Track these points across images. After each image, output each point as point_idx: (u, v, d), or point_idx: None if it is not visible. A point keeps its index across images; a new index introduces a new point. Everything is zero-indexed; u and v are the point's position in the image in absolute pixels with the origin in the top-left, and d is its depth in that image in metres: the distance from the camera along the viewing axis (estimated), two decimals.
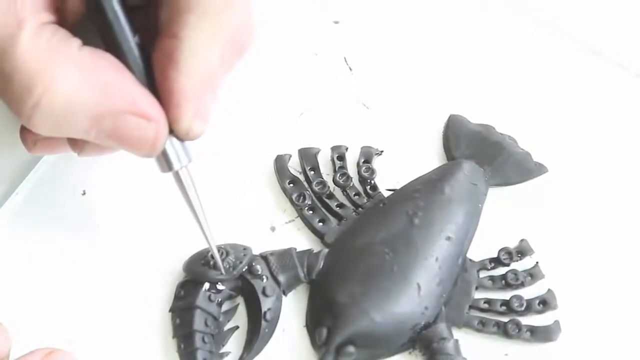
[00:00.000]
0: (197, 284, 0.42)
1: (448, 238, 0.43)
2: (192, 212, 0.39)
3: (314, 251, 0.44)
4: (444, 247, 0.43)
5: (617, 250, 0.45)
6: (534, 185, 0.47)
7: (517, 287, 0.44)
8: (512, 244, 0.45)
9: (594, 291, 0.44)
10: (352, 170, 0.47)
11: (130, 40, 0.35)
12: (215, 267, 0.42)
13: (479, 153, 0.48)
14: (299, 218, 0.46)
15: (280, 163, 0.47)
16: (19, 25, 0.33)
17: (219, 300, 0.42)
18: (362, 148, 0.48)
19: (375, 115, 0.50)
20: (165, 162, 0.37)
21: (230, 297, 0.43)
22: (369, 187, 0.47)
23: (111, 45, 0.35)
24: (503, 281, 0.44)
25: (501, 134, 0.49)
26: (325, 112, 0.50)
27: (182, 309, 0.42)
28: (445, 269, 0.43)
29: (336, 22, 0.55)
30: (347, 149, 0.48)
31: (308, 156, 0.48)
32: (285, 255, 0.43)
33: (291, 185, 0.47)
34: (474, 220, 0.45)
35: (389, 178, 0.47)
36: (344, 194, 0.47)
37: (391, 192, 0.47)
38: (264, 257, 0.43)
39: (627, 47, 0.53)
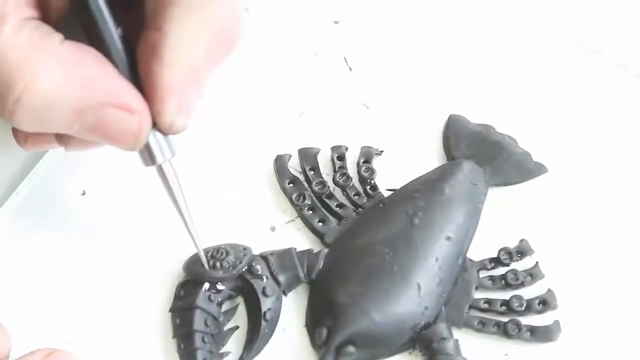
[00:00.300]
0: (197, 284, 0.42)
1: (448, 238, 0.43)
2: (175, 207, 0.39)
3: (314, 251, 0.44)
4: (444, 247, 0.43)
5: (617, 250, 0.45)
6: (534, 185, 0.47)
7: (517, 287, 0.44)
8: (512, 244, 0.45)
9: (593, 291, 0.44)
10: (352, 170, 0.47)
11: (113, 33, 0.35)
12: (215, 267, 0.42)
13: (479, 153, 0.48)
14: (298, 218, 0.46)
15: (280, 163, 0.47)
16: (1, 21, 0.33)
17: (219, 300, 0.42)
18: (362, 148, 0.48)
19: (375, 115, 0.50)
20: (148, 155, 0.37)
21: (230, 297, 0.43)
22: (368, 187, 0.47)
23: (94, 38, 0.35)
24: (503, 281, 0.44)
25: (501, 134, 0.49)
26: (325, 112, 0.50)
27: (182, 309, 0.42)
28: (445, 269, 0.43)
29: (336, 22, 0.55)
30: (347, 149, 0.48)
31: (308, 156, 0.48)
32: (285, 255, 0.43)
33: (291, 185, 0.47)
34: (474, 220, 0.45)
35: (389, 178, 0.47)
36: (343, 194, 0.47)
37: (391, 192, 0.47)
38: (264, 257, 0.43)
39: (627, 47, 0.53)
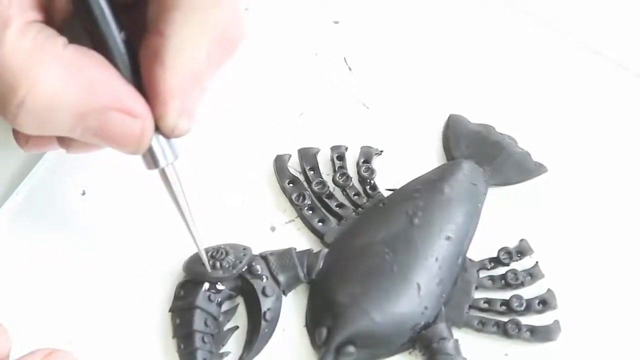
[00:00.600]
0: (196, 284, 0.42)
1: (448, 238, 0.43)
2: (177, 209, 0.39)
3: (314, 251, 0.44)
4: (444, 247, 0.43)
5: (616, 249, 0.45)
6: (534, 185, 0.47)
7: (516, 286, 0.44)
8: (512, 244, 0.45)
9: (593, 291, 0.44)
10: (351, 170, 0.47)
11: (116, 37, 0.35)
12: (215, 267, 0.42)
13: (479, 153, 0.48)
14: (298, 218, 0.46)
15: (279, 163, 0.47)
16: (5, 24, 0.33)
17: (219, 300, 0.42)
18: (361, 148, 0.48)
19: (375, 115, 0.50)
20: (151, 159, 0.37)
21: (230, 297, 0.43)
22: (368, 187, 0.47)
23: (98, 42, 0.35)
24: (503, 281, 0.44)
25: (501, 133, 0.49)
26: (325, 112, 0.50)
27: (182, 309, 0.42)
28: (445, 268, 0.43)
29: (336, 22, 0.55)
30: (346, 149, 0.48)
31: (308, 156, 0.48)
32: (285, 255, 0.43)
33: (291, 185, 0.47)
34: (474, 220, 0.45)
35: (389, 178, 0.47)
36: (343, 194, 0.47)
37: (391, 192, 0.47)
38: (264, 257, 0.43)
39: (627, 47, 0.53)
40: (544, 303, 0.43)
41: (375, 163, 0.48)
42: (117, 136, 0.35)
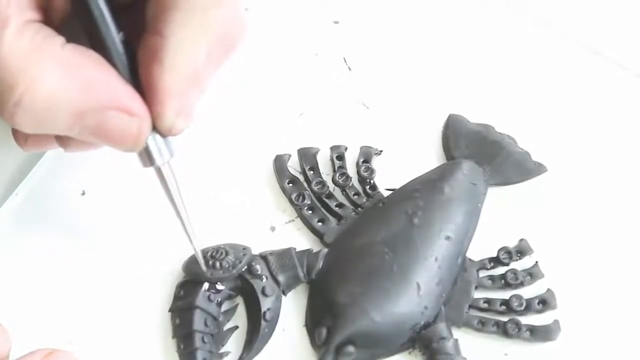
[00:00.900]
0: (196, 284, 0.42)
1: (447, 238, 0.43)
2: (173, 208, 0.39)
3: (314, 251, 0.44)
4: (444, 247, 0.43)
5: (616, 249, 0.45)
6: (533, 185, 0.47)
7: (516, 286, 0.44)
8: (512, 244, 0.45)
9: (593, 291, 0.44)
10: (351, 170, 0.47)
11: (114, 36, 0.35)
12: (214, 267, 0.42)
13: (479, 153, 0.48)
14: (298, 218, 0.46)
15: (279, 163, 0.47)
16: (3, 23, 0.33)
17: (219, 300, 0.42)
18: (361, 148, 0.48)
19: (374, 115, 0.50)
20: (147, 157, 0.37)
21: (229, 297, 0.43)
22: (368, 186, 0.47)
23: (96, 42, 0.35)
24: (502, 281, 0.44)
25: (500, 133, 0.49)
26: (325, 112, 0.50)
27: (182, 309, 0.42)
28: (444, 268, 0.43)
29: (336, 22, 0.55)
30: (346, 148, 0.48)
31: (307, 156, 0.48)
32: (284, 255, 0.44)
33: (290, 185, 0.47)
34: (474, 219, 0.45)
35: (389, 178, 0.47)
36: (343, 194, 0.47)
37: (390, 192, 0.47)
38: (264, 257, 0.43)
39: (627, 47, 0.53)
40: (544, 303, 0.43)
41: (375, 163, 0.48)
42: (115, 135, 0.35)
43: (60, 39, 0.34)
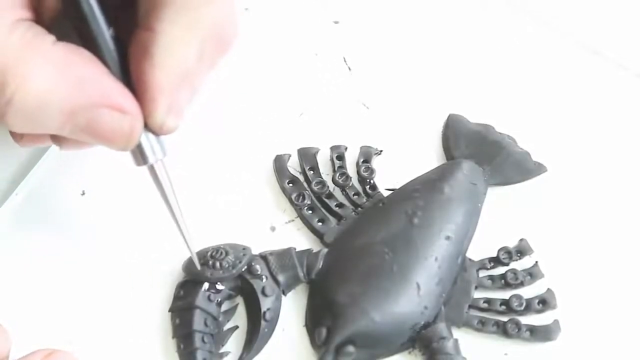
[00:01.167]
0: (196, 283, 0.42)
1: (447, 237, 0.43)
2: (166, 206, 0.39)
3: (314, 251, 0.44)
4: (444, 247, 0.43)
5: (616, 249, 0.45)
6: (533, 185, 0.47)
7: (516, 286, 0.44)
8: (512, 244, 0.45)
9: (593, 290, 0.44)
10: (351, 170, 0.47)
11: (104, 33, 0.35)
12: (214, 267, 0.42)
13: (478, 152, 0.48)
14: (298, 218, 0.46)
15: (279, 163, 0.47)
16: None
17: (219, 300, 0.42)
18: (361, 148, 0.48)
19: (374, 115, 0.50)
20: (140, 155, 0.37)
21: (229, 297, 0.43)
22: (368, 186, 0.47)
23: (86, 39, 0.35)
24: (502, 280, 0.44)
25: (500, 133, 0.49)
26: (325, 112, 0.50)
27: (182, 309, 0.42)
28: (444, 268, 0.43)
29: (336, 22, 0.55)
30: (346, 148, 0.48)
31: (307, 156, 0.48)
32: (284, 255, 0.43)
33: (290, 185, 0.47)
34: (474, 219, 0.45)
35: (389, 178, 0.47)
36: (343, 194, 0.47)
37: (390, 192, 0.47)
38: (264, 257, 0.43)
39: (627, 47, 0.53)
40: (544, 303, 0.43)
41: (375, 163, 0.48)
42: (107, 133, 0.35)
43: (50, 37, 0.34)
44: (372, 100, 0.51)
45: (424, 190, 0.45)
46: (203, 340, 0.41)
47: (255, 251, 0.44)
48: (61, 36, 0.34)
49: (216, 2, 0.35)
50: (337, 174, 0.47)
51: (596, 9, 0.55)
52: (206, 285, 0.42)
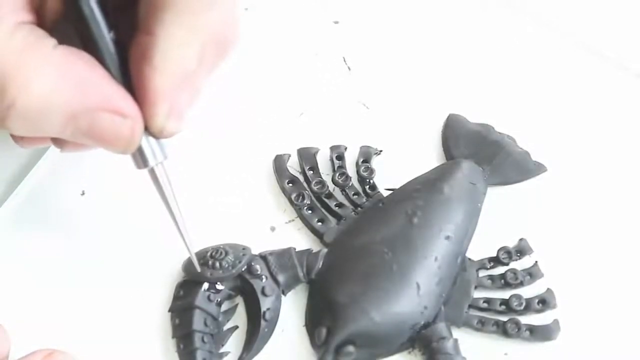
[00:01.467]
0: (196, 284, 0.42)
1: (447, 237, 0.43)
2: (167, 209, 0.39)
3: (313, 251, 0.44)
4: (443, 247, 0.43)
5: (616, 249, 0.45)
6: (533, 185, 0.47)
7: (516, 286, 0.44)
8: (511, 243, 0.45)
9: (593, 290, 0.44)
10: (351, 169, 0.47)
11: (105, 36, 0.35)
12: (214, 267, 0.42)
13: (478, 152, 0.48)
14: (298, 218, 0.46)
15: (279, 163, 0.47)
16: None
17: (218, 300, 0.42)
18: (361, 148, 0.48)
19: (374, 115, 0.50)
20: (140, 158, 0.37)
21: (229, 297, 0.43)
22: (368, 186, 0.47)
23: (87, 42, 0.35)
24: (502, 280, 0.44)
25: (500, 133, 0.49)
26: (325, 112, 0.50)
27: (182, 309, 0.42)
28: (444, 268, 0.43)
29: (336, 22, 0.55)
30: (346, 148, 0.48)
31: (307, 156, 0.48)
32: (284, 255, 0.44)
33: (290, 185, 0.47)
34: (473, 219, 0.45)
35: (388, 178, 0.47)
36: (343, 194, 0.47)
37: (390, 192, 0.47)
38: (263, 257, 0.43)
39: (627, 47, 0.53)
40: (544, 302, 0.43)
41: (375, 163, 0.48)
42: (107, 136, 0.35)
43: (52, 41, 0.34)
44: (371, 100, 0.51)
45: (424, 190, 0.45)
46: (203, 340, 0.41)
47: (255, 251, 0.44)
48: (62, 39, 0.34)
49: (217, 7, 0.35)
50: (337, 174, 0.47)
51: (596, 9, 0.55)
52: (206, 285, 0.42)
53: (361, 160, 0.47)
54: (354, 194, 0.46)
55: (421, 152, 0.49)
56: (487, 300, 0.43)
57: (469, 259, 0.45)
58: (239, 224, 0.46)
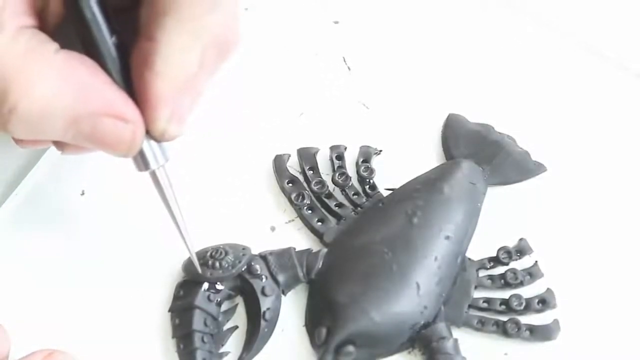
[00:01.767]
0: (196, 283, 0.42)
1: (447, 237, 0.43)
2: (168, 211, 0.39)
3: (313, 251, 0.44)
4: (443, 247, 0.43)
5: (616, 249, 0.45)
6: (533, 185, 0.47)
7: (516, 286, 0.44)
8: (511, 243, 0.45)
9: (593, 290, 0.44)
10: (351, 169, 0.47)
11: (107, 41, 0.35)
12: (214, 267, 0.42)
13: (478, 152, 0.48)
14: (298, 218, 0.46)
15: (279, 163, 0.47)
16: None
17: (218, 300, 0.42)
18: (360, 147, 0.48)
19: (374, 115, 0.50)
20: (142, 161, 0.37)
21: (229, 297, 0.43)
22: (367, 186, 0.47)
23: (89, 46, 0.35)
24: (502, 280, 0.44)
25: (500, 133, 0.49)
26: (325, 112, 0.50)
27: (182, 309, 0.42)
28: (444, 268, 0.43)
29: (336, 22, 0.55)
30: (345, 148, 0.48)
31: (307, 156, 0.48)
32: (284, 255, 0.44)
33: (290, 185, 0.47)
34: (473, 219, 0.45)
35: (388, 177, 0.47)
36: (342, 194, 0.47)
37: (390, 192, 0.47)
38: (263, 257, 0.43)
39: (627, 47, 0.53)
40: (544, 302, 0.43)
41: (375, 163, 0.48)
42: (109, 140, 0.35)
43: (54, 45, 0.34)
44: (371, 100, 0.51)
45: (424, 190, 0.45)
46: (203, 340, 0.41)
47: (255, 251, 0.44)
48: (64, 44, 0.34)
49: (219, 11, 0.35)
50: (337, 174, 0.47)
51: (596, 9, 0.55)
52: (206, 285, 0.42)
53: (361, 160, 0.47)
54: (353, 194, 0.46)
55: (421, 152, 0.49)
56: (487, 300, 0.43)
57: (469, 258, 0.45)
58: (239, 224, 0.46)
